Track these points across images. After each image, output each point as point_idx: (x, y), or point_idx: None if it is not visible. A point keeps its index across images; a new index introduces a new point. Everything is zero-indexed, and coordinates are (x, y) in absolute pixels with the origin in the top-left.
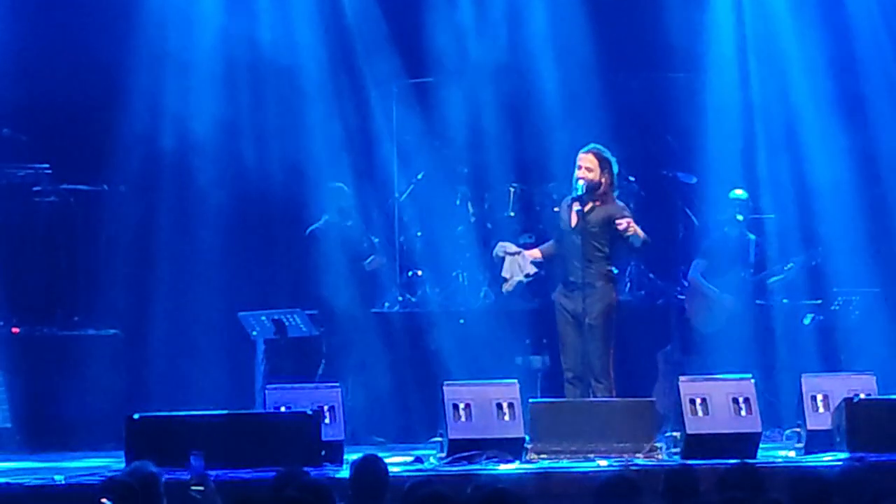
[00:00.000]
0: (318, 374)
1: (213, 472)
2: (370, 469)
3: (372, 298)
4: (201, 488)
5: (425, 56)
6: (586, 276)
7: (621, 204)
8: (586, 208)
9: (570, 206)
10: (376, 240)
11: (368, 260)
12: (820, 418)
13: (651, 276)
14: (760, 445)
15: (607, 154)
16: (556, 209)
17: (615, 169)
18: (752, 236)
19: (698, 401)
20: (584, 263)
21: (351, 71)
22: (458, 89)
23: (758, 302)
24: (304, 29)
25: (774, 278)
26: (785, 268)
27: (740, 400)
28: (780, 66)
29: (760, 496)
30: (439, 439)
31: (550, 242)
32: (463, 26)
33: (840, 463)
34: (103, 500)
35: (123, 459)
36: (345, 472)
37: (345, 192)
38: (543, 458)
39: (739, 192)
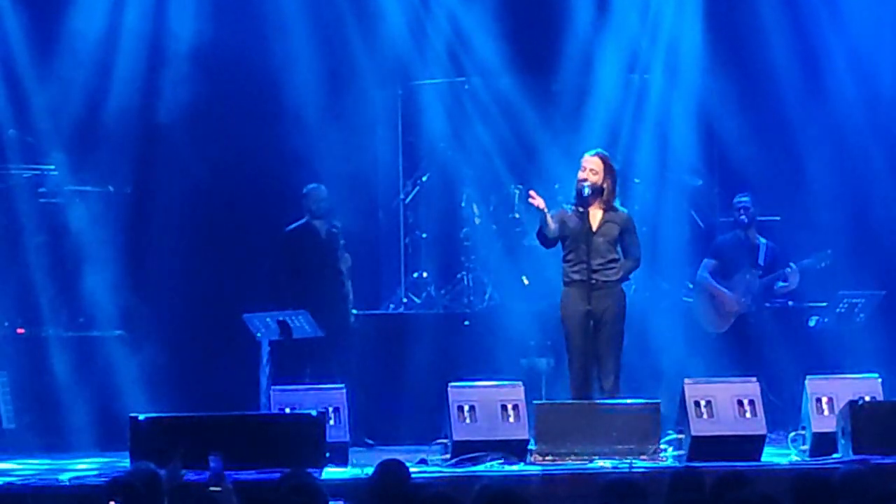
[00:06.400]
0: (323, 375)
1: None
2: (393, 474)
3: (376, 300)
4: (219, 489)
5: (431, 57)
6: (604, 276)
7: (626, 211)
8: (594, 212)
9: (577, 209)
10: (342, 241)
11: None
12: (825, 421)
13: (656, 278)
14: (765, 448)
15: (612, 161)
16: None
17: (617, 178)
18: (763, 240)
19: (703, 403)
20: (602, 265)
21: (356, 71)
22: (463, 91)
23: (765, 305)
24: (309, 28)
25: (781, 284)
26: (787, 271)
27: (745, 402)
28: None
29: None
30: (444, 441)
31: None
32: (469, 27)
33: (844, 466)
34: (112, 503)
35: (128, 460)
36: (348, 474)
37: (322, 191)
38: (548, 460)
39: (744, 196)
